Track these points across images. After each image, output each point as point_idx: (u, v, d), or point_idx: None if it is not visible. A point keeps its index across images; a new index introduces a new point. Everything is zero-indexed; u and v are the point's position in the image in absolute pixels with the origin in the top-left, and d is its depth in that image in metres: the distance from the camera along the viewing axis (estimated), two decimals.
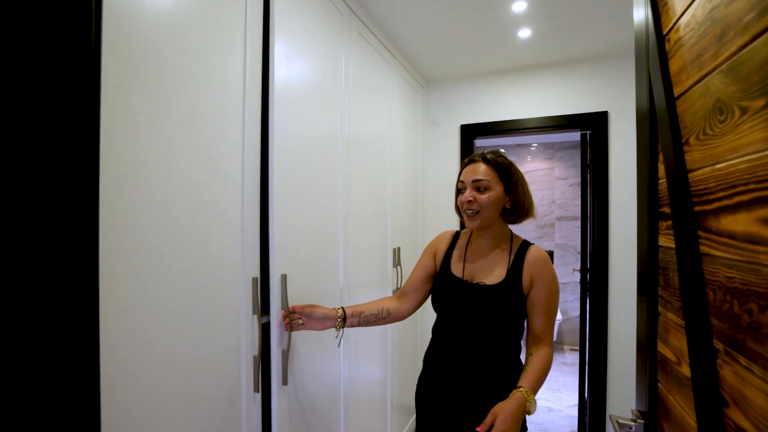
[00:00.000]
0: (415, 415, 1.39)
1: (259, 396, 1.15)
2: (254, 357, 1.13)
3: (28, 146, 0.58)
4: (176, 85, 0.93)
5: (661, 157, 0.70)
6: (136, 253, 0.84)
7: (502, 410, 1.03)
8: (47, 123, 0.60)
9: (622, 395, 2.20)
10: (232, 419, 1.08)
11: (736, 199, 0.49)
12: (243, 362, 1.11)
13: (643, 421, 0.75)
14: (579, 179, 3.79)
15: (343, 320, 1.25)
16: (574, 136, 4.25)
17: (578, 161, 4.40)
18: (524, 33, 2.07)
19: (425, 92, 2.73)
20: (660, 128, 0.67)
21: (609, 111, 2.23)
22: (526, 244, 1.24)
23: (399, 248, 2.20)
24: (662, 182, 0.72)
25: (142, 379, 0.85)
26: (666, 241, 0.71)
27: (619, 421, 0.78)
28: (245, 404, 1.11)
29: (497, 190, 1.20)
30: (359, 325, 1.31)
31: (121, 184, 0.81)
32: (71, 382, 0.64)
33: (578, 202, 4.19)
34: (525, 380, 1.11)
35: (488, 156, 1.23)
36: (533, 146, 4.60)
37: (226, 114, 1.08)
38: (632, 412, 0.80)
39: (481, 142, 2.67)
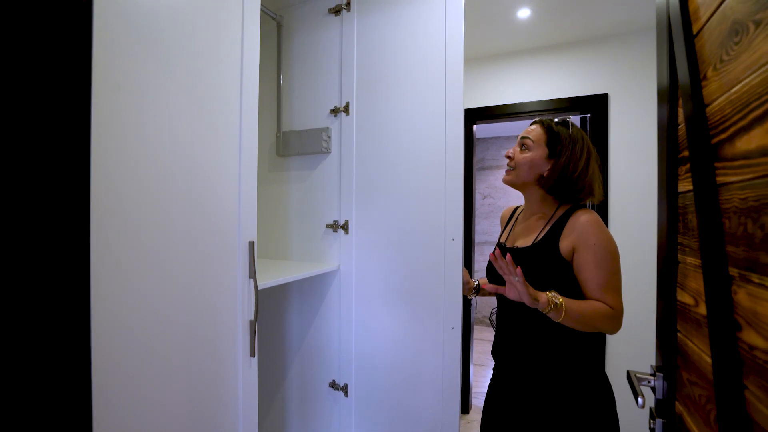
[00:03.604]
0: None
1: (255, 360, 1.14)
2: (250, 322, 1.13)
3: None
4: (175, 45, 0.93)
5: (681, 101, 0.69)
6: (132, 212, 0.84)
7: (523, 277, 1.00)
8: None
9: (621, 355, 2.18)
10: (230, 382, 1.08)
11: (750, 116, 0.47)
12: (239, 327, 1.10)
13: (661, 374, 0.74)
14: None
15: (476, 291, 1.42)
16: (575, 121, 4.25)
17: None
18: (524, 13, 2.06)
19: None
20: (679, 69, 0.66)
21: (609, 93, 2.21)
22: (574, 209, 1.15)
23: None
24: (682, 126, 0.71)
25: (136, 343, 0.84)
26: (685, 185, 0.70)
27: (638, 375, 0.77)
28: (241, 368, 1.10)
29: (538, 152, 1.18)
30: (488, 295, 1.44)
31: (120, 145, 0.81)
32: (61, 348, 0.63)
33: None
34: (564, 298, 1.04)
35: (546, 120, 1.22)
36: None
37: (225, 74, 1.07)
38: (651, 367, 0.79)
39: (480, 128, 2.66)
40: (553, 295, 1.02)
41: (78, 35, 0.67)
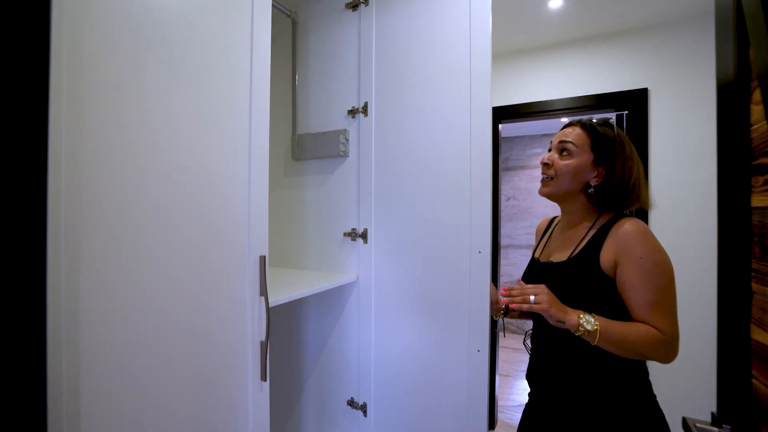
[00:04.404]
0: None
1: (266, 385, 1.05)
2: (261, 343, 1.04)
3: None
4: (177, 41, 0.85)
5: (757, 96, 0.56)
6: (132, 228, 0.77)
7: (548, 291, 0.96)
8: None
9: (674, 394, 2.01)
10: (238, 410, 0.99)
11: None
12: (249, 348, 1.02)
13: (729, 427, 0.61)
14: None
15: (505, 312, 1.27)
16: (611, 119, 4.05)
17: None
18: (555, 3, 1.93)
19: None
20: (756, 57, 0.53)
21: (649, 88, 2.04)
22: (617, 218, 1.01)
23: None
24: (758, 127, 0.58)
25: (135, 367, 0.77)
26: (763, 200, 0.57)
27: (697, 425, 0.64)
28: (252, 393, 1.02)
29: (582, 158, 1.04)
30: (516, 317, 1.28)
31: (114, 149, 0.74)
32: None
33: None
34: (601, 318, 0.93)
35: (586, 121, 1.08)
36: None
37: (233, 75, 0.99)
38: (713, 415, 0.66)
39: (503, 127, 2.53)
40: (585, 318, 0.91)
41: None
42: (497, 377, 2.67)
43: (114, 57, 0.73)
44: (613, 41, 2.15)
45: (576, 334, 0.91)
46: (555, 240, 1.16)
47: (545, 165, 1.09)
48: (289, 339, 1.75)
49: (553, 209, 4.38)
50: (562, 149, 1.07)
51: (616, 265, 0.95)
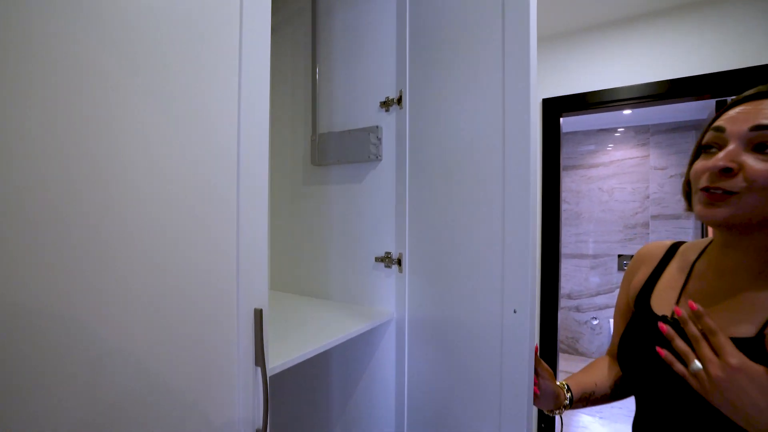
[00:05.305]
0: None
1: None
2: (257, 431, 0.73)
3: None
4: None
5: None
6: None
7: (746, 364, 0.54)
8: None
9: None
10: None
11: None
12: None
13: None
14: (683, 169, 3.08)
15: (569, 404, 0.84)
16: (675, 115, 3.55)
17: (679, 147, 3.65)
18: None
19: None
20: None
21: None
22: None
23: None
24: None
25: None
26: None
27: None
28: None
29: None
30: (585, 407, 0.86)
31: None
32: None
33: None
34: None
35: None
36: (618, 131, 3.89)
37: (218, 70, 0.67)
38: None
39: (568, 121, 2.14)
40: None
41: None
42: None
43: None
44: (707, 11, 1.71)
45: None
46: (709, 291, 0.69)
47: (723, 172, 0.60)
48: (304, 390, 1.44)
49: (609, 213, 3.89)
50: (759, 144, 0.58)
51: None
